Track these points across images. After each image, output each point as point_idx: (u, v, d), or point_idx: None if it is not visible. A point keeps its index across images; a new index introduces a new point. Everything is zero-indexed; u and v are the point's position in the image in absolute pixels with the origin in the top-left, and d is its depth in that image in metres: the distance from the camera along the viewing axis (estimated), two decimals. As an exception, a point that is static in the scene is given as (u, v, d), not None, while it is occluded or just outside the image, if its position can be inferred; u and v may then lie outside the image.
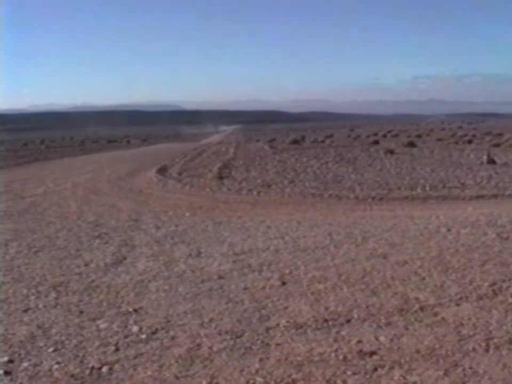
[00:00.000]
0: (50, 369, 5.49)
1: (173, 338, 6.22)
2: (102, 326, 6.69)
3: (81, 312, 7.22)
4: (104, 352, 5.87)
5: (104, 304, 7.52)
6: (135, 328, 6.54)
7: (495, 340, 5.94)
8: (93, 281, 8.66)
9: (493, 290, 7.63)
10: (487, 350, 5.70)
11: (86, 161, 41.32)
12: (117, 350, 5.94)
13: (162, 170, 27.76)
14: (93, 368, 5.50)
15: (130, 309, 7.24)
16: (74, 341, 6.21)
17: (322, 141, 62.60)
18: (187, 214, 15.25)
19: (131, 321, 6.79)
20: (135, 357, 5.72)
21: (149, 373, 5.34)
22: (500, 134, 59.70)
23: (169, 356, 5.73)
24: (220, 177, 24.39)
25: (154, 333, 6.41)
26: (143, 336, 6.29)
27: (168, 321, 6.76)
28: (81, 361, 5.66)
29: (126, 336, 6.30)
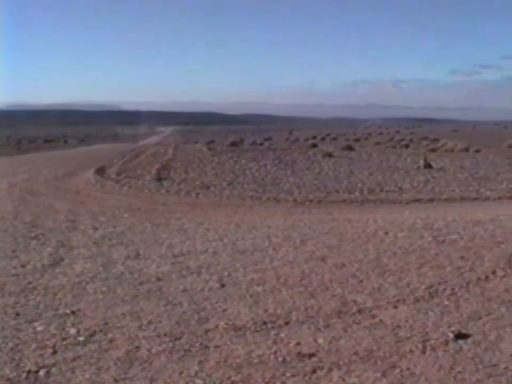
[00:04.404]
0: (-15, 373, 5.41)
1: (111, 340, 6.17)
2: (39, 328, 6.60)
3: (17, 314, 7.11)
4: (41, 355, 5.79)
5: (41, 306, 7.42)
6: (72, 331, 6.47)
7: (432, 342, 6.03)
8: (29, 282, 8.53)
9: (430, 293, 7.75)
10: (423, 352, 5.78)
11: (22, 161, 40.61)
12: (55, 352, 5.86)
13: (100, 171, 27.46)
14: (29, 371, 5.41)
15: (68, 311, 7.16)
16: (10, 344, 6.11)
17: (261, 144, 62.59)
18: (125, 216, 15.15)
19: (69, 324, 6.71)
20: (73, 360, 5.65)
21: (87, 375, 5.29)
22: (436, 139, 60.50)
23: (108, 358, 5.68)
24: (159, 179, 24.28)
25: (92, 335, 6.34)
26: (81, 339, 6.22)
27: (106, 324, 6.70)
28: (18, 365, 5.57)
29: (63, 339, 6.23)
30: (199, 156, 38.91)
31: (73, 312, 7.13)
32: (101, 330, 6.49)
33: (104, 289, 8.13)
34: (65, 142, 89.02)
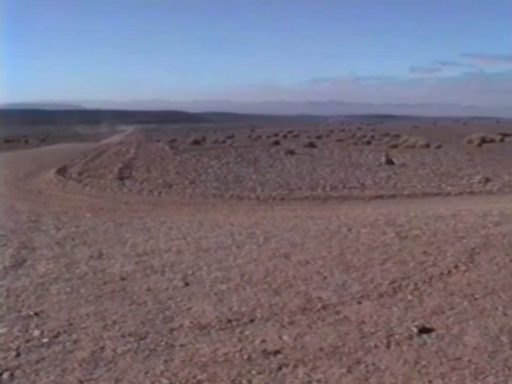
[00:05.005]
0: None
1: (75, 341, 6.13)
2: (2, 330, 6.53)
3: (-21, 317, 7.05)
4: (5, 358, 5.74)
5: (4, 308, 7.34)
6: (36, 332, 6.42)
7: (396, 337, 6.08)
8: (-9, 285, 8.46)
9: (393, 288, 7.80)
10: (388, 347, 5.82)
11: (-19, 162, 40.29)
12: (18, 355, 5.80)
13: (62, 171, 27.24)
14: (-7, 374, 5.37)
15: (31, 313, 7.10)
16: (-27, 347, 6.06)
17: (223, 142, 62.63)
18: (88, 215, 15.05)
19: (32, 325, 6.66)
20: (37, 362, 5.60)
21: (52, 377, 5.25)
22: (398, 136, 60.91)
23: (72, 359, 5.64)
24: (121, 178, 24.16)
25: (56, 336, 6.29)
26: (45, 340, 6.17)
27: (71, 324, 6.66)
28: (-19, 367, 5.52)
29: (27, 341, 6.17)
30: (161, 155, 38.78)
31: (36, 314, 7.07)
32: (65, 331, 6.44)
33: (67, 289, 8.07)
34: (26, 142, 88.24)
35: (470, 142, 46.35)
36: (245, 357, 5.63)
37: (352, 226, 12.46)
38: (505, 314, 6.79)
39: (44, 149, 58.39)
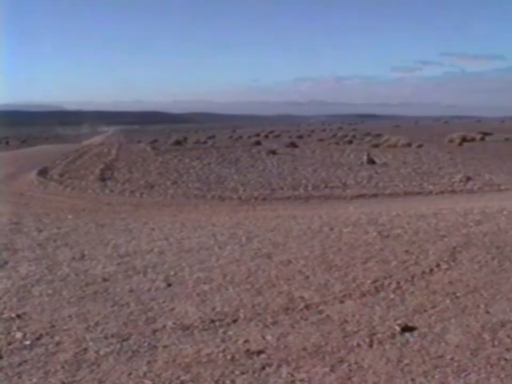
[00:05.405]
0: None
1: (58, 343, 6.10)
2: (-16, 333, 6.51)
3: (-39, 319, 7.01)
4: (-13, 361, 5.72)
5: (-15, 310, 7.32)
6: (18, 335, 6.38)
7: (379, 335, 6.09)
8: (-28, 287, 8.41)
9: (375, 287, 7.82)
10: (371, 345, 5.84)
11: (-38, 163, 40.06)
12: (0, 357, 5.75)
13: (43, 173, 27.15)
14: (-26, 377, 5.34)
15: (13, 315, 7.05)
16: (-46, 350, 6.03)
17: (205, 142, 62.50)
18: (69, 217, 15.00)
19: (14, 328, 6.62)
20: (19, 364, 5.57)
21: (34, 380, 5.22)
22: (379, 135, 61.03)
23: (55, 361, 5.61)
24: (102, 179, 24.13)
25: (38, 338, 6.26)
26: (27, 343, 6.14)
27: (53, 326, 6.63)
28: (-38, 371, 5.49)
29: (9, 343, 6.14)
30: (142, 156, 38.70)
31: (18, 316, 7.03)
32: (47, 334, 6.41)
33: (49, 291, 8.03)
34: (7, 143, 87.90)
35: (451, 141, 46.55)
36: (228, 357, 5.62)
37: (334, 225, 12.48)
38: (487, 312, 6.83)
39: (24, 151, 58.11)
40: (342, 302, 7.28)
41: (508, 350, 5.68)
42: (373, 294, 7.58)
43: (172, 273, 8.84)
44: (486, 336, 6.05)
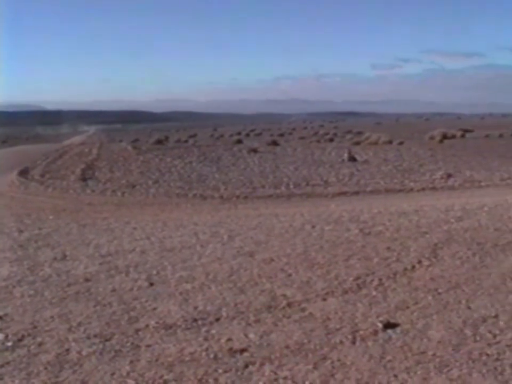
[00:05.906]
0: None
1: (40, 344, 6.07)
2: (-35, 334, 6.47)
3: None
4: (-32, 362, 5.68)
5: (-34, 311, 7.27)
6: (0, 336, 6.34)
7: (361, 332, 6.10)
8: (-47, 288, 8.35)
9: (357, 284, 7.83)
10: (353, 342, 5.85)
11: None
12: (-18, 359, 5.75)
13: (24, 173, 27.04)
14: (-44, 379, 5.30)
15: (-5, 316, 7.03)
16: None
17: (186, 141, 62.42)
18: (51, 217, 14.94)
19: (-5, 329, 6.60)
20: (1, 366, 5.53)
21: (17, 381, 5.19)
22: (360, 132, 61.23)
23: (37, 362, 5.58)
24: (84, 179, 24.06)
25: (20, 340, 6.23)
26: (9, 344, 6.10)
27: (35, 327, 6.59)
28: None
29: (-10, 344, 6.12)
30: (124, 155, 38.61)
31: (0, 317, 6.99)
32: (29, 335, 6.37)
33: (31, 292, 7.99)
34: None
35: (432, 138, 46.75)
36: (211, 355, 5.61)
37: (316, 223, 12.50)
38: (469, 308, 6.85)
39: (4, 151, 57.79)
40: (324, 299, 7.29)
41: (489, 345, 5.70)
42: (355, 291, 7.59)
43: (154, 272, 8.82)
44: (468, 331, 6.07)
